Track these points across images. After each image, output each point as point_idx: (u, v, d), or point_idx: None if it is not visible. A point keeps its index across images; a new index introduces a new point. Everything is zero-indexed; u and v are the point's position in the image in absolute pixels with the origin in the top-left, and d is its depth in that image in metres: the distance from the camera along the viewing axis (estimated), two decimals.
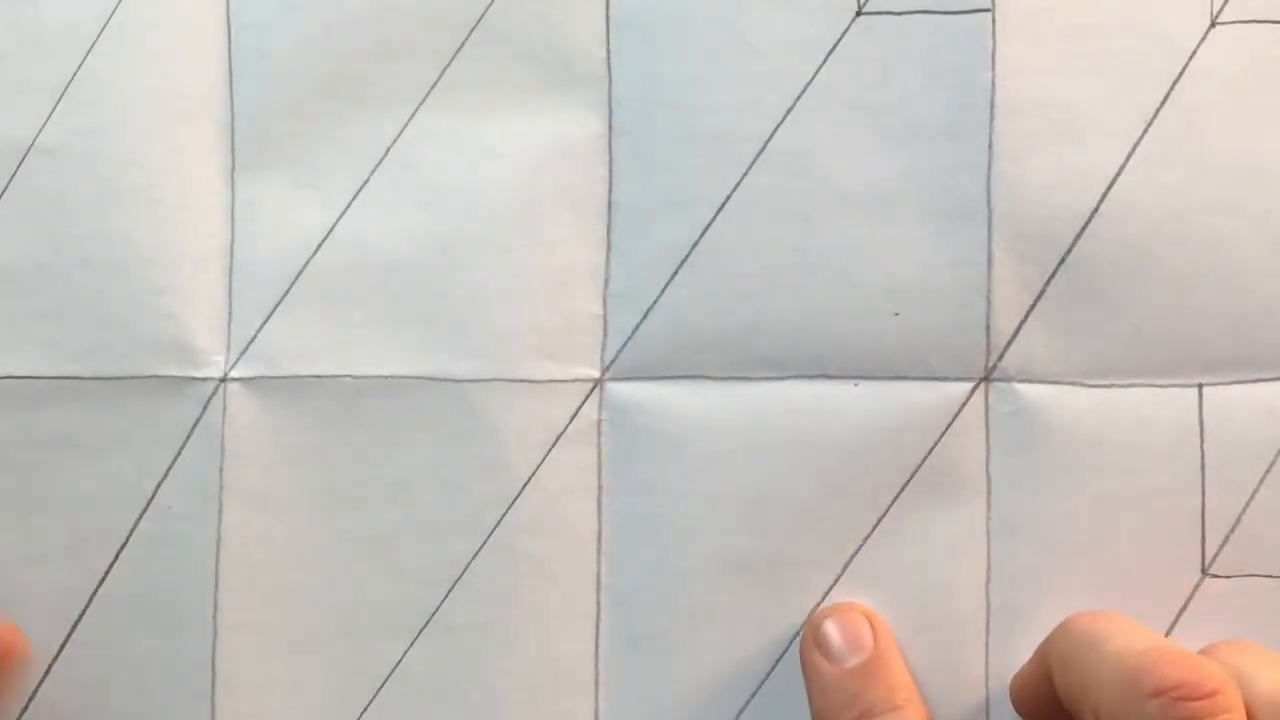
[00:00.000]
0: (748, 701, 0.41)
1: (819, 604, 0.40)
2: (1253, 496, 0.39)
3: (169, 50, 0.42)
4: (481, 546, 0.41)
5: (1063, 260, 0.40)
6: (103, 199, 0.42)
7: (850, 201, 0.41)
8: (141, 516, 0.41)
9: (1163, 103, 0.40)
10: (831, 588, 0.40)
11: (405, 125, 0.42)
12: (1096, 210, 0.40)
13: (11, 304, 0.42)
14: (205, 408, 0.41)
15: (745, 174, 0.41)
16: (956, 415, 0.40)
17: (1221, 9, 0.40)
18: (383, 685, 0.41)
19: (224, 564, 0.41)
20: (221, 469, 0.41)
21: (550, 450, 0.41)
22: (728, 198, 0.41)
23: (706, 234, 0.41)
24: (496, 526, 0.41)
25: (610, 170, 0.41)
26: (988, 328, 0.40)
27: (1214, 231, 0.40)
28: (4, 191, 0.42)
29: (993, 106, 0.40)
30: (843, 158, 0.41)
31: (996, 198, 0.40)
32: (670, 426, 0.41)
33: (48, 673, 0.41)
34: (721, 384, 0.41)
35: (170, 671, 0.41)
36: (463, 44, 0.42)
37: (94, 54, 0.42)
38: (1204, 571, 0.39)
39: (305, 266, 0.42)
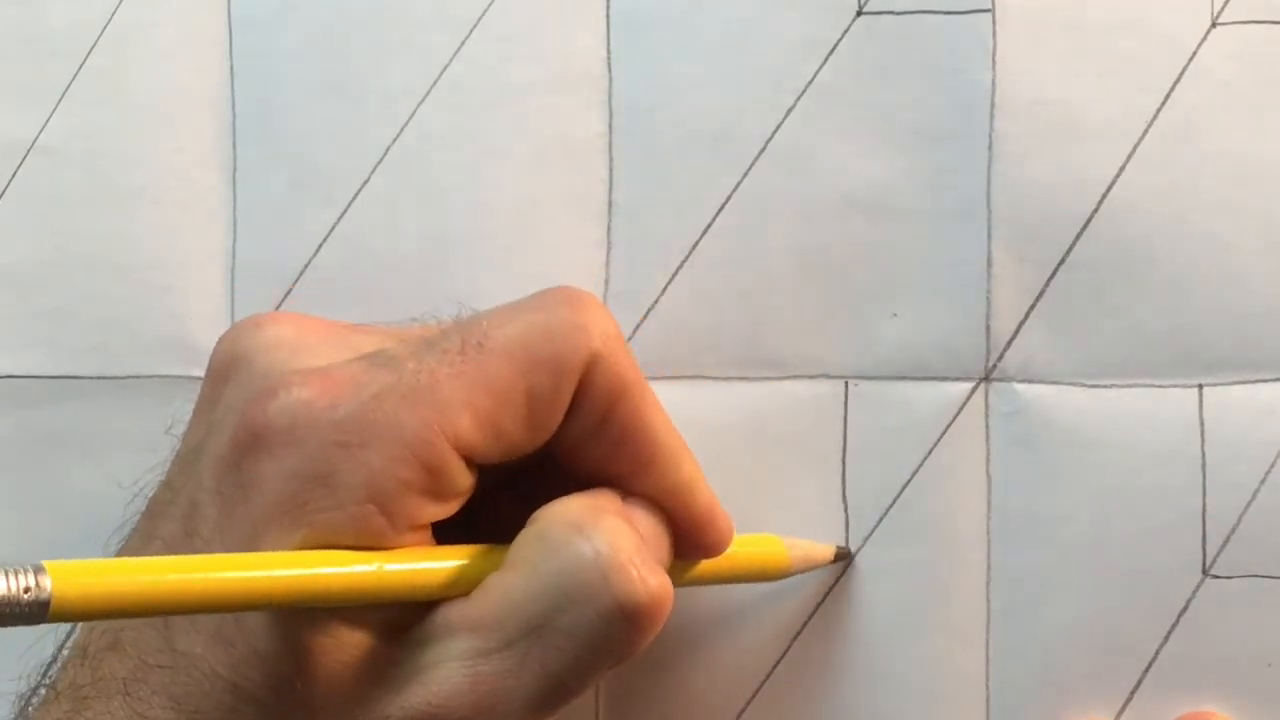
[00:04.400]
0: (746, 705, 0.41)
1: (819, 604, 0.40)
2: (1253, 496, 0.39)
3: (170, 50, 0.42)
4: None
5: (1063, 260, 0.40)
6: (104, 199, 0.42)
7: (850, 201, 0.41)
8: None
9: (1163, 103, 0.40)
10: (832, 588, 0.40)
11: (405, 125, 0.42)
12: (1096, 210, 0.40)
13: (12, 304, 0.42)
14: None
15: (745, 174, 0.41)
16: (956, 415, 0.40)
17: (1221, 9, 0.40)
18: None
19: None
20: None
21: None
22: (728, 198, 0.41)
23: (706, 234, 0.41)
24: None
25: (610, 170, 0.41)
26: (987, 328, 0.40)
27: (1214, 231, 0.40)
28: (4, 191, 0.42)
29: (993, 106, 0.40)
30: (843, 158, 0.41)
31: (996, 198, 0.40)
32: None
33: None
34: (721, 384, 0.41)
35: None
36: (463, 44, 0.42)
37: (95, 54, 0.42)
38: (1204, 572, 0.39)
39: (306, 266, 0.42)
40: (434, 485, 0.33)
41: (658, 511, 0.36)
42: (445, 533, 0.34)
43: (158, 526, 0.35)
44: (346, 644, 0.33)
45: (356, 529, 0.32)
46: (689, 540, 0.36)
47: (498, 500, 0.36)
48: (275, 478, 0.32)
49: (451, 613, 0.33)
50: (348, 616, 0.33)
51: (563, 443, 0.35)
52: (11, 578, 0.28)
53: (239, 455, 0.33)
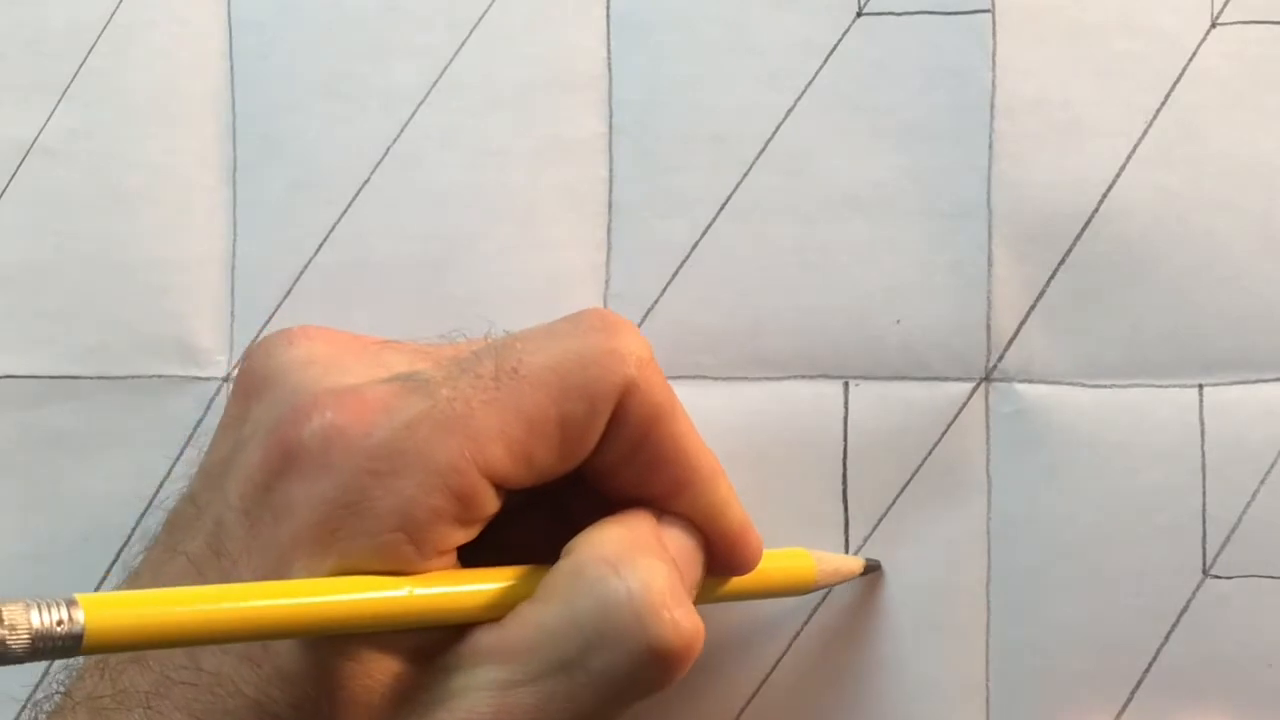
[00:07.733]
0: (746, 705, 0.41)
1: (819, 604, 0.40)
2: (1253, 497, 0.39)
3: (169, 50, 0.42)
4: None
5: (1063, 260, 0.40)
6: (104, 199, 0.42)
7: (850, 201, 0.41)
8: (143, 516, 0.41)
9: (1163, 103, 0.40)
10: (831, 589, 0.40)
11: (405, 125, 0.42)
12: (1096, 210, 0.40)
13: (13, 304, 0.42)
14: (208, 408, 0.41)
15: (745, 174, 0.41)
16: (957, 415, 0.40)
17: (1221, 9, 0.40)
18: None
19: None
20: None
21: None
22: (728, 198, 0.41)
23: (706, 234, 0.41)
24: None
25: (610, 170, 0.41)
26: (988, 328, 0.40)
27: (1214, 231, 0.40)
28: (5, 191, 0.42)
29: (993, 106, 0.40)
30: (843, 158, 0.41)
31: (996, 198, 0.40)
32: None
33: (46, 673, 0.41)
34: (721, 384, 0.41)
35: None
36: (463, 44, 0.42)
37: (95, 54, 0.42)
38: (1204, 572, 0.39)
39: (306, 266, 0.42)
40: (463, 513, 0.33)
41: (693, 532, 0.35)
42: (467, 549, 0.34)
43: (180, 541, 0.34)
44: (374, 668, 0.33)
45: (385, 556, 0.32)
46: (721, 559, 0.36)
47: (523, 516, 0.36)
48: (306, 502, 0.32)
49: (481, 640, 0.33)
50: (376, 640, 0.33)
51: (595, 466, 0.35)
52: (44, 611, 0.28)
53: (269, 476, 0.33)
